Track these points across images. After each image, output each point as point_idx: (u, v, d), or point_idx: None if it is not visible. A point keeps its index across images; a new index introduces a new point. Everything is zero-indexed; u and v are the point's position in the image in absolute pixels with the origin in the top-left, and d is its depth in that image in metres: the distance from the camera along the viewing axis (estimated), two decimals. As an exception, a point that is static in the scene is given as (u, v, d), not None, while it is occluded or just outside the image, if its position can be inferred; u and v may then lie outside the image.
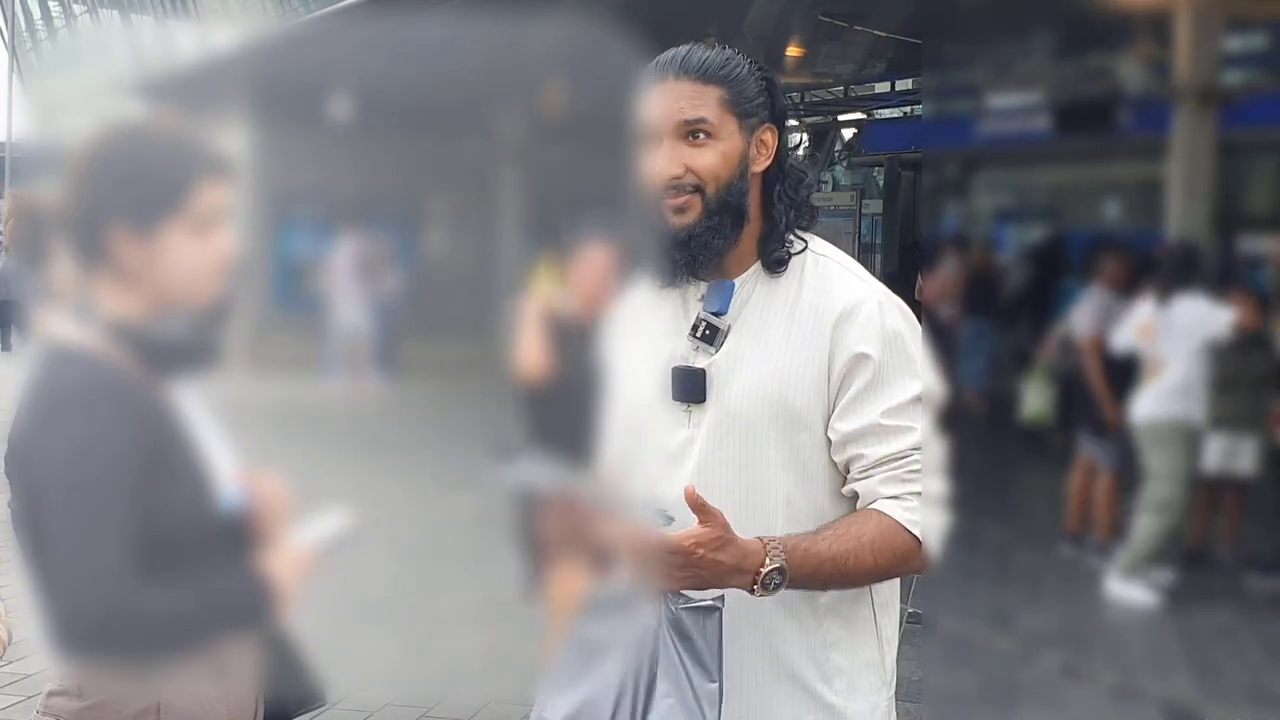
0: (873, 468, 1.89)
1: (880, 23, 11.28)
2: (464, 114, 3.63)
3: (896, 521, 1.88)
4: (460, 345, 4.31)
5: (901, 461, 1.89)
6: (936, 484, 1.94)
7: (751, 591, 1.82)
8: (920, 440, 1.90)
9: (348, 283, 4.21)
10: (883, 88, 15.52)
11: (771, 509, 1.91)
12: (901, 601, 2.10)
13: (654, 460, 1.97)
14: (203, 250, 1.75)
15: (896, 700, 2.08)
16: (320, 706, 2.05)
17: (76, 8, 19.51)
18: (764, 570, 1.81)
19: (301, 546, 1.81)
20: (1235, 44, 4.35)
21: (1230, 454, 5.16)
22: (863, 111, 16.29)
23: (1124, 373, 5.06)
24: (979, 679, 4.12)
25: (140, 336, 1.75)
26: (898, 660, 2.08)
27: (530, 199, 3.86)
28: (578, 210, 3.32)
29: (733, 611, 1.87)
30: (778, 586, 1.82)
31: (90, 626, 1.65)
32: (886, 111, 15.78)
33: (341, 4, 9.34)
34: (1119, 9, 4.10)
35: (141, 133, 1.80)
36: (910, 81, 14.15)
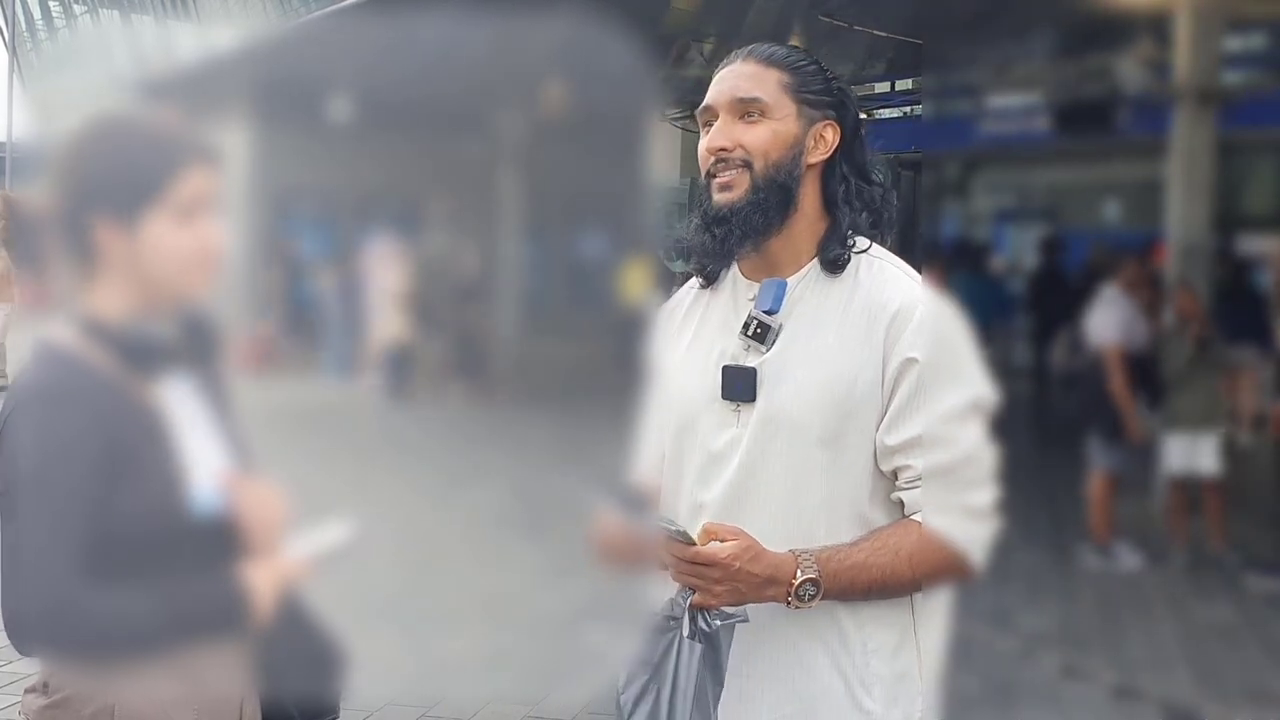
0: (919, 479, 1.85)
1: (880, 23, 11.28)
2: (464, 114, 3.62)
3: (937, 534, 1.83)
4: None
5: (949, 474, 1.85)
6: (987, 494, 1.88)
7: (787, 604, 1.80)
8: (969, 450, 1.84)
9: (373, 283, 4.21)
10: (883, 88, 15.52)
11: (813, 511, 1.87)
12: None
13: (697, 460, 1.94)
14: (188, 239, 1.73)
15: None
16: (333, 716, 2.03)
17: (77, 8, 19.53)
18: (796, 582, 1.79)
19: (295, 556, 1.79)
20: (1235, 44, 4.34)
21: (1190, 454, 5.17)
22: (863, 111, 16.31)
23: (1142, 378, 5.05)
24: (979, 679, 4.12)
25: (119, 336, 1.74)
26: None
27: (530, 199, 3.86)
28: (578, 210, 3.32)
29: (777, 618, 1.85)
30: (812, 598, 1.80)
31: (26, 619, 1.65)
32: (886, 111, 15.78)
33: (342, 4, 9.32)
34: (1119, 9, 4.10)
35: (122, 124, 1.79)
36: (910, 81, 14.15)
